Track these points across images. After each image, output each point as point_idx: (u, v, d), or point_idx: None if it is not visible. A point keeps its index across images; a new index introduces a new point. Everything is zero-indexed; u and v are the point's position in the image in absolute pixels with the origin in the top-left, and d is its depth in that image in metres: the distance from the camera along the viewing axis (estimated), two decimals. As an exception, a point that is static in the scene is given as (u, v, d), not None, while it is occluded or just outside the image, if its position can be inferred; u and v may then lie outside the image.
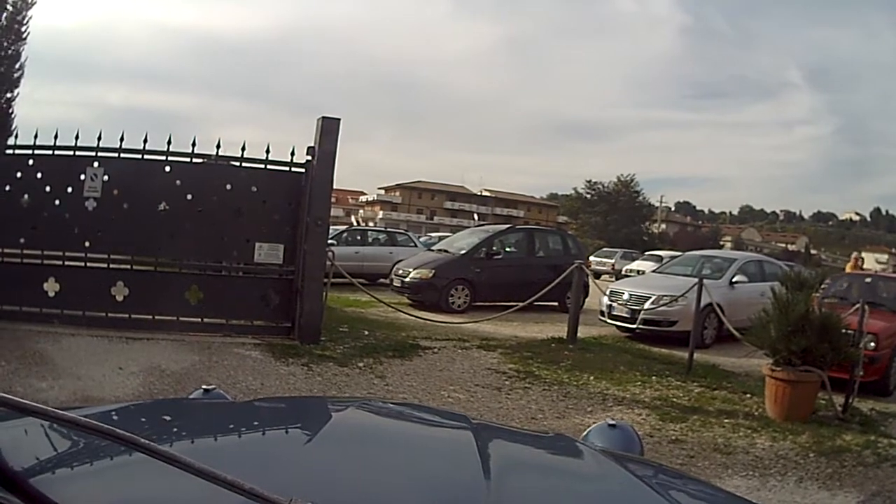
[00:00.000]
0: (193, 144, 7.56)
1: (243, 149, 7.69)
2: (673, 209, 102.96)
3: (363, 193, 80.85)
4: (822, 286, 9.78)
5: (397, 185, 79.07)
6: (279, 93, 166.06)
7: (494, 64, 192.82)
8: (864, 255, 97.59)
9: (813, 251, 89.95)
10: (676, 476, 1.70)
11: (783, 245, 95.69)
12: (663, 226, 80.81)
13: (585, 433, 1.80)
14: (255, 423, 1.47)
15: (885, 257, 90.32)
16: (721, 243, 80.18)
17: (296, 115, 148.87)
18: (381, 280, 15.18)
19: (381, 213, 72.70)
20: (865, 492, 5.09)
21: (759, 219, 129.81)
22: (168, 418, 1.41)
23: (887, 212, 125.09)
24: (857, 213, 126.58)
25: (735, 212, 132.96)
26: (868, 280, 10.79)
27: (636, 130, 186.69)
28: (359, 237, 17.82)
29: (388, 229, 20.97)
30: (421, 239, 21.96)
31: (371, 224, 45.75)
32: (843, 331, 6.95)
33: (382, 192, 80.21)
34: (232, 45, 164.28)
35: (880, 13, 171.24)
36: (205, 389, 1.69)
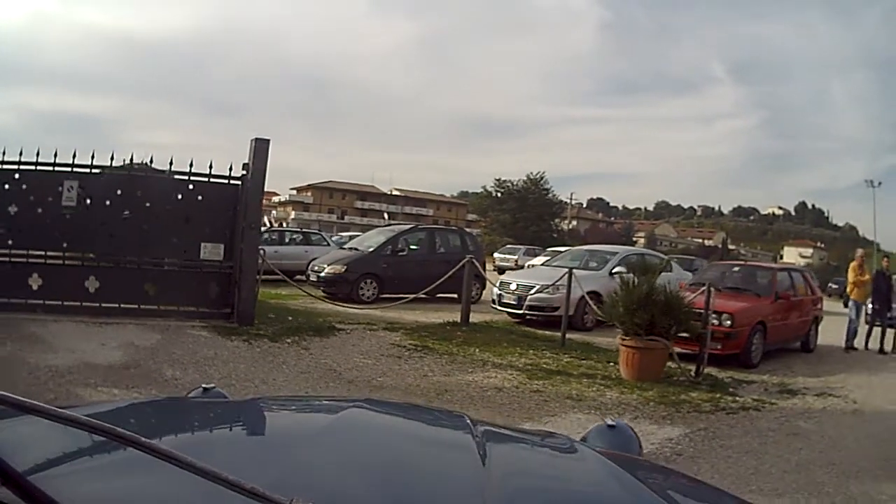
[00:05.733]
0: (151, 161, 9.11)
1: (191, 165, 9.07)
2: (585, 206, 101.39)
3: (276, 194, 79.24)
4: (668, 270, 11.07)
5: (309, 185, 78.77)
6: (200, 94, 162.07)
7: (410, 62, 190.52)
8: (786, 249, 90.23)
9: (732, 246, 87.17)
10: (675, 476, 1.71)
11: (700, 241, 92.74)
12: (574, 223, 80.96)
13: (584, 434, 1.79)
14: (256, 422, 1.47)
15: (809, 251, 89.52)
16: (634, 239, 79.43)
17: (217, 116, 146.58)
18: (298, 276, 16.12)
19: (293, 213, 72.23)
20: (693, 427, 5.86)
21: (676, 214, 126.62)
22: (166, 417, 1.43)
23: (813, 206, 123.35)
24: (781, 208, 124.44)
25: (651, 207, 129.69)
26: (736, 269, 12.02)
27: (552, 127, 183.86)
28: (277, 237, 19.07)
29: (303, 230, 22.18)
30: (333, 238, 23.15)
31: (284, 224, 46.40)
32: (690, 309, 8.06)
33: (294, 192, 79.72)
34: (153, 46, 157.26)
35: (808, 5, 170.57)
36: (204, 388, 1.68)
